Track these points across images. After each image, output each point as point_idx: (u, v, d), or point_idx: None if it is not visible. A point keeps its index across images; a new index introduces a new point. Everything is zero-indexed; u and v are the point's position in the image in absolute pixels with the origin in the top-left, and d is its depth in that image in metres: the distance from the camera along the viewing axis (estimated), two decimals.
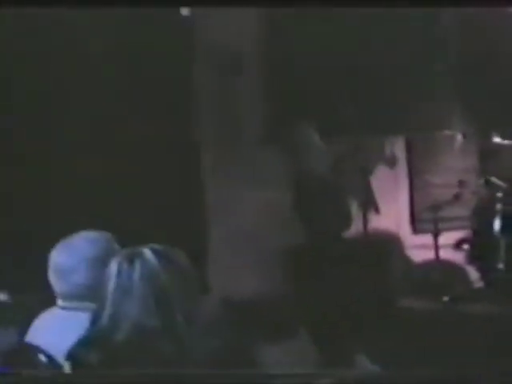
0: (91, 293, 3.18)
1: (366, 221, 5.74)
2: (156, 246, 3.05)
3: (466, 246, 5.73)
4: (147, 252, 3.01)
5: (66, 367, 3.04)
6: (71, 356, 2.99)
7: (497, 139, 5.62)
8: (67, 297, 3.34)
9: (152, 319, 2.94)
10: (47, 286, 3.39)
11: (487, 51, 5.97)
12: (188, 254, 3.17)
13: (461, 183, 5.79)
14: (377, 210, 5.77)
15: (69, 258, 3.29)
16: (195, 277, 3.11)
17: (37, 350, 3.16)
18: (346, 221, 5.69)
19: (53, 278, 3.35)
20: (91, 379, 2.97)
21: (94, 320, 2.99)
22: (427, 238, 5.89)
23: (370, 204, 5.76)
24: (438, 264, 5.81)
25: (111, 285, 2.98)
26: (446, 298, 5.36)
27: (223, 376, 2.91)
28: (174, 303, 2.97)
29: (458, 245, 5.79)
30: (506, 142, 5.63)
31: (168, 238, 3.23)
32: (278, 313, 4.95)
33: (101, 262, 3.19)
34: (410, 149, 6.36)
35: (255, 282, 5.34)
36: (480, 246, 5.64)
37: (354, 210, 5.76)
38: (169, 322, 2.95)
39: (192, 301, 3.04)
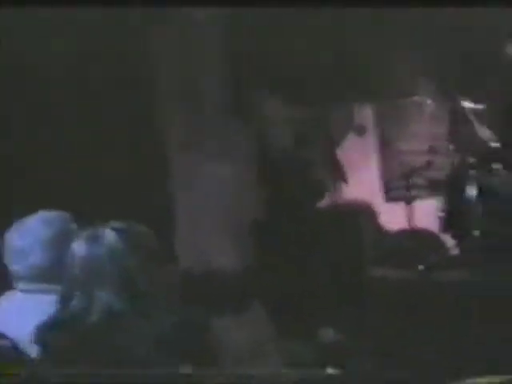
0: (50, 274, 3.17)
1: (336, 192, 5.76)
2: (117, 224, 3.03)
3: (440, 214, 5.61)
4: (109, 232, 2.98)
5: (33, 351, 3.02)
6: (40, 340, 2.96)
7: (467, 103, 5.59)
8: (25, 279, 3.27)
9: (119, 299, 2.92)
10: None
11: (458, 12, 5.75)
12: (152, 229, 3.13)
13: (432, 149, 5.78)
14: (345, 180, 5.74)
15: (23, 239, 3.25)
16: (159, 253, 3.10)
17: None
18: (316, 192, 5.63)
19: (9, 261, 3.28)
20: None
21: (62, 302, 2.96)
22: (400, 206, 5.89)
23: (338, 174, 5.73)
24: (411, 232, 5.82)
25: (76, 266, 2.95)
26: (421, 267, 5.34)
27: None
28: (138, 281, 2.96)
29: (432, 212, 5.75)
30: (477, 105, 5.60)
31: (131, 214, 3.18)
32: (244, 285, 4.96)
33: (57, 243, 3.17)
34: (378, 116, 6.32)
35: (223, 257, 5.23)
36: (454, 213, 5.56)
37: (323, 181, 5.71)
38: (135, 301, 2.95)
39: (156, 277, 3.02)
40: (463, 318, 4.66)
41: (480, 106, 5.56)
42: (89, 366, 2.92)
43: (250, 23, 5.46)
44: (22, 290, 3.29)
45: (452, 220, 5.56)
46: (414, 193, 5.86)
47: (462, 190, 5.45)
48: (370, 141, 6.29)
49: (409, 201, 5.82)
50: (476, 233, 5.35)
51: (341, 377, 3.16)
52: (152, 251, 3.04)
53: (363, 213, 5.80)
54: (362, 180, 6.13)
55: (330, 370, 3.20)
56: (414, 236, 5.80)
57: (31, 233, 3.25)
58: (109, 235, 2.96)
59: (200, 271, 5.01)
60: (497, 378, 2.93)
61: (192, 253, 5.21)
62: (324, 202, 5.65)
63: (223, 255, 5.17)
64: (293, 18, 5.41)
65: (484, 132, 5.53)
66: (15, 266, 3.26)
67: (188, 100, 5.56)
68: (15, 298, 3.32)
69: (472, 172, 5.43)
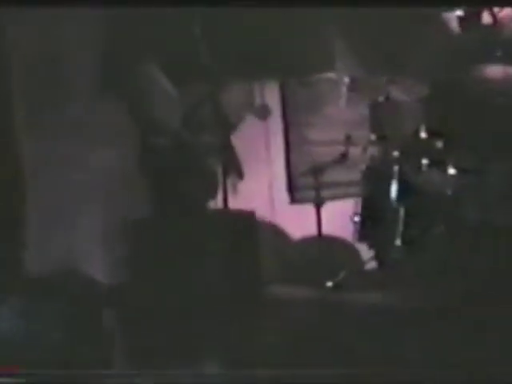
0: None
1: (228, 188, 5.36)
2: None
3: (355, 218, 5.32)
4: None
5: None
6: None
7: (391, 84, 5.34)
8: None
9: None
10: None
11: None
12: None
13: (348, 139, 5.43)
14: (240, 175, 5.40)
15: None
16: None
17: None
18: (205, 188, 5.35)
19: None
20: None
21: None
22: (307, 209, 5.57)
23: (232, 166, 5.38)
24: (320, 241, 5.57)
25: None
26: (329, 284, 5.14)
27: None
28: None
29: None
30: (402, 86, 5.41)
31: None
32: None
33: None
34: (284, 96, 5.87)
35: (92, 256, 5.18)
36: (372, 218, 5.29)
37: (214, 173, 5.42)
38: None
39: None
40: (377, 347, 4.52)
41: (411, 88, 5.40)
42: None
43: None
44: None
45: (370, 226, 5.29)
46: (324, 192, 5.58)
47: (383, 190, 5.20)
48: (273, 125, 5.81)
49: (318, 202, 5.54)
50: (397, 242, 5.08)
51: None
52: None
53: (262, 216, 5.41)
54: (262, 174, 5.73)
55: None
56: (323, 246, 5.54)
57: None
58: None
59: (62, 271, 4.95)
60: None
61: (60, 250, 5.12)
62: (214, 201, 5.37)
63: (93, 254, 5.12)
64: None
65: (413, 120, 5.32)
66: None
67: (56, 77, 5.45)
68: None
69: (395, 167, 5.15)
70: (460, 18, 5.61)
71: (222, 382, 4.60)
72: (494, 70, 5.47)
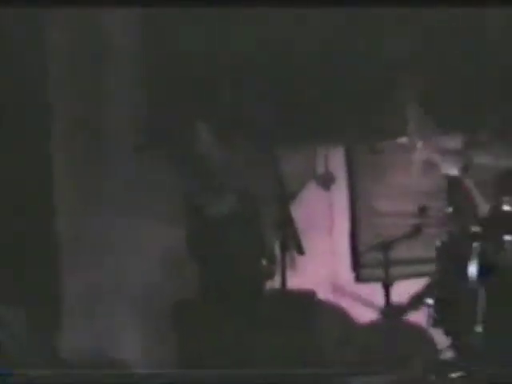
0: None
1: (287, 265, 4.95)
2: None
3: (428, 300, 4.83)
4: None
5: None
6: None
7: (473, 153, 5.12)
8: None
9: None
10: None
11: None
12: None
13: (422, 211, 5.09)
14: (300, 250, 4.98)
15: None
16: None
17: None
18: (262, 266, 5.00)
19: None
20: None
21: None
22: (375, 289, 5.18)
23: (291, 240, 4.96)
24: (391, 328, 5.11)
25: None
26: (405, 377, 4.65)
27: None
28: None
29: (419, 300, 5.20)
30: (485, 157, 5.16)
31: None
32: None
33: None
34: (350, 163, 5.60)
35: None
36: (447, 300, 4.81)
37: (273, 249, 5.04)
38: None
39: None
40: None
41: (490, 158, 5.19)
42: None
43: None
44: None
45: (445, 309, 4.79)
46: (394, 270, 5.17)
47: (461, 269, 4.70)
48: (338, 195, 5.55)
49: (387, 281, 5.10)
50: (479, 330, 4.60)
51: None
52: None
53: (324, 297, 5.11)
54: (324, 249, 5.42)
55: None
56: (395, 333, 5.07)
57: None
58: None
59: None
60: None
61: None
62: (272, 280, 5.00)
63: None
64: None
65: (497, 192, 4.93)
66: None
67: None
68: None
69: (475, 244, 4.72)
70: None
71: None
72: None
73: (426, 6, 5.11)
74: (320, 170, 5.45)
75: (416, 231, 5.10)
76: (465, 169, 5.33)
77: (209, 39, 5.47)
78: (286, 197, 5.13)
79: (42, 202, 5.47)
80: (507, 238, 4.77)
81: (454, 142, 5.46)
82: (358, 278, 5.56)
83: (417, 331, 5.16)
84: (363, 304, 5.36)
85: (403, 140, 5.41)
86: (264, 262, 5.06)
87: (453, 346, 4.85)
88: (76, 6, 5.16)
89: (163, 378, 4.07)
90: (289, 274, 5.05)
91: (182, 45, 5.50)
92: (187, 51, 5.48)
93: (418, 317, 5.14)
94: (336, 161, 5.59)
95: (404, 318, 5.28)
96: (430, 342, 5.13)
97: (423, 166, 5.44)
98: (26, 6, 5.11)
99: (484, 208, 5.06)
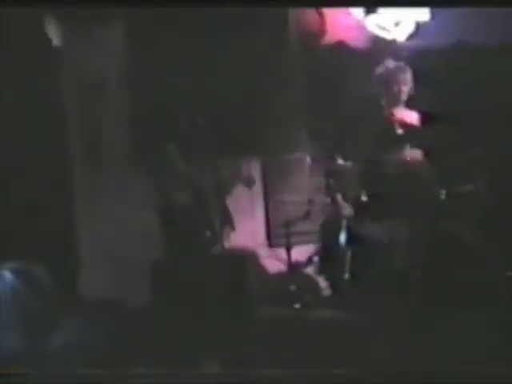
0: None
1: (224, 236, 5.80)
2: (14, 265, 3.01)
3: (315, 258, 5.92)
4: (6, 273, 2.98)
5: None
6: None
7: (340, 161, 5.82)
8: None
9: (20, 338, 2.92)
10: None
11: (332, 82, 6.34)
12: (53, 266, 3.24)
13: (310, 201, 5.95)
14: (233, 227, 5.82)
15: None
16: (55, 291, 3.13)
17: None
18: (209, 239, 5.78)
19: None
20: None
21: None
22: (282, 252, 6.03)
23: (227, 222, 5.81)
24: (291, 275, 5.95)
25: None
26: (297, 306, 5.64)
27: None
28: (38, 321, 2.97)
29: (309, 258, 6.01)
30: (348, 163, 5.84)
31: (34, 252, 3.29)
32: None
33: None
34: (265, 170, 6.53)
35: (120, 295, 5.43)
36: (327, 258, 5.84)
37: (215, 226, 5.80)
38: (37, 339, 2.94)
39: (54, 314, 3.03)
40: (333, 351, 4.78)
41: (350, 163, 5.80)
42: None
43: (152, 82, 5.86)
44: None
45: (326, 264, 5.86)
46: (293, 239, 5.97)
47: (335, 238, 5.68)
48: (257, 191, 6.45)
49: (289, 246, 5.94)
50: (346, 276, 5.59)
51: None
52: (49, 290, 3.05)
53: (248, 257, 5.89)
54: (249, 226, 6.29)
55: None
56: (293, 278, 5.92)
57: None
58: (7, 276, 2.95)
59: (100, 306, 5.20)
60: None
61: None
62: (215, 246, 5.76)
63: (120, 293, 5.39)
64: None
65: (356, 187, 5.73)
66: None
67: (95, 148, 5.92)
68: None
69: (343, 222, 5.68)
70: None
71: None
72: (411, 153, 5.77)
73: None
74: (244, 174, 6.12)
75: (307, 214, 5.94)
76: (333, 170, 5.83)
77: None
78: (223, 193, 5.86)
79: None
80: (364, 217, 5.66)
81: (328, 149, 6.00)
82: (271, 245, 6.47)
83: (306, 277, 6.03)
84: (275, 260, 6.17)
85: (298, 154, 6.27)
86: (208, 235, 5.75)
87: (331, 287, 5.85)
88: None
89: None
90: (225, 243, 5.77)
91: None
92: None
93: (309, 268, 6.00)
94: (255, 167, 6.40)
95: (300, 268, 6.03)
96: (315, 283, 6.01)
97: (310, 172, 6.14)
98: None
99: (349, 198, 5.75)
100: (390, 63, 5.86)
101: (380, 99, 5.84)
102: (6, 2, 4.63)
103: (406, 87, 5.80)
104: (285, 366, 4.52)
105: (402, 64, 5.86)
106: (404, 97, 5.83)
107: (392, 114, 5.79)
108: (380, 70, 5.86)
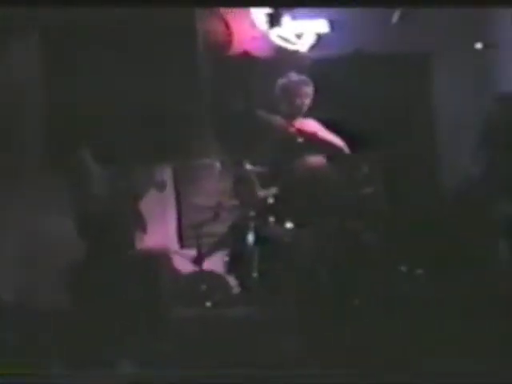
0: None
1: (137, 238, 5.88)
2: None
3: (225, 258, 5.97)
4: None
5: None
6: None
7: (248, 166, 5.96)
8: None
9: None
10: None
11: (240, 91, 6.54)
12: None
13: (219, 204, 6.08)
14: (144, 229, 5.88)
15: None
16: None
17: None
18: (122, 242, 5.84)
19: None
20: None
21: None
22: (193, 253, 6.17)
23: (140, 225, 5.89)
24: (202, 275, 6.10)
25: None
26: (208, 304, 5.76)
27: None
28: None
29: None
30: (255, 168, 5.97)
31: None
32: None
33: None
34: (176, 175, 6.68)
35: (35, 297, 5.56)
36: (237, 258, 5.89)
37: (128, 229, 5.87)
38: None
39: None
40: (246, 349, 4.83)
41: (257, 169, 5.95)
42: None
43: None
44: None
45: (236, 263, 5.88)
46: (203, 240, 6.12)
47: (244, 238, 5.76)
48: (169, 195, 6.59)
49: (200, 247, 6.10)
50: (255, 274, 5.66)
51: None
52: None
53: (160, 258, 5.96)
54: (161, 228, 6.43)
55: None
56: (204, 277, 6.06)
57: None
58: None
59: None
60: None
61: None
62: (129, 247, 5.84)
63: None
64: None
65: (261, 191, 5.87)
66: None
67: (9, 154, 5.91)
68: None
69: (251, 223, 5.77)
70: None
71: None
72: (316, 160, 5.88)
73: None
74: (156, 179, 6.15)
75: (215, 216, 6.07)
76: (241, 175, 5.86)
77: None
78: (136, 197, 5.88)
79: None
80: (270, 219, 5.75)
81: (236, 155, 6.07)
82: (182, 245, 6.64)
83: (217, 276, 6.10)
84: (187, 260, 6.19)
85: (208, 160, 6.36)
86: (122, 238, 5.76)
87: (240, 285, 5.82)
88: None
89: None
90: (138, 245, 5.85)
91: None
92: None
93: (219, 266, 6.04)
94: (167, 173, 6.53)
95: (210, 267, 6.09)
96: (225, 282, 6.05)
97: (219, 177, 6.22)
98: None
99: (256, 201, 5.79)
100: (294, 76, 5.97)
101: (282, 109, 5.96)
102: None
103: (308, 100, 5.93)
104: (196, 364, 4.61)
105: (304, 77, 5.97)
106: (305, 109, 5.97)
107: (292, 124, 5.93)
108: (283, 81, 5.96)
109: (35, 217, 5.85)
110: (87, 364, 4.63)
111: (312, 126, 5.98)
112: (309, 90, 5.94)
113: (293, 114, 5.96)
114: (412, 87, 6.74)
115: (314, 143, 5.88)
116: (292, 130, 5.90)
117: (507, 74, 6.49)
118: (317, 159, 5.92)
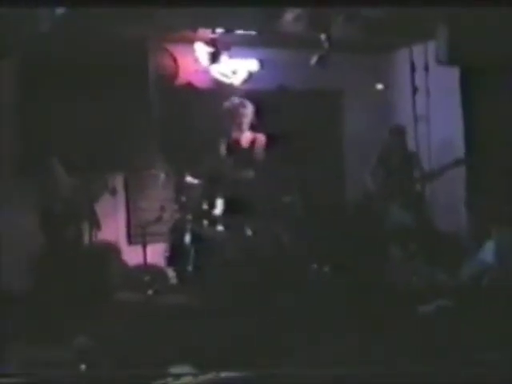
0: None
1: (92, 235, 6.08)
2: None
3: (166, 253, 6.25)
4: None
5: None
6: None
7: (188, 178, 6.29)
8: None
9: None
10: None
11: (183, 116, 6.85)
12: None
13: (161, 208, 6.34)
14: (98, 227, 6.09)
15: None
16: None
17: None
18: (79, 237, 6.10)
19: None
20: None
21: None
22: (139, 248, 6.34)
23: (94, 222, 6.10)
24: (146, 267, 6.27)
25: None
26: (150, 292, 5.90)
27: None
28: None
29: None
30: (194, 180, 6.29)
31: None
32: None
33: None
34: (127, 182, 6.88)
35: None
36: (176, 254, 6.14)
37: (84, 227, 6.08)
38: None
39: None
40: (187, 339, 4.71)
41: (197, 180, 6.23)
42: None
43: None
44: None
45: (174, 258, 6.14)
46: (148, 239, 6.30)
47: (182, 237, 6.05)
48: (120, 199, 6.76)
49: (145, 244, 6.27)
50: (189, 268, 5.99)
51: None
52: None
53: (111, 252, 6.18)
54: (111, 227, 6.56)
55: None
56: (147, 270, 6.21)
57: None
58: None
59: None
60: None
61: None
62: (83, 243, 6.07)
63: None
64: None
65: (198, 197, 6.15)
66: None
67: None
68: None
69: (189, 225, 6.10)
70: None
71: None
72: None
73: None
74: (109, 185, 6.34)
75: (159, 218, 6.26)
76: (182, 184, 6.09)
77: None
78: (92, 200, 6.11)
79: None
80: (204, 222, 5.96)
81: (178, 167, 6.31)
82: (130, 242, 6.79)
83: (158, 269, 6.28)
84: (133, 255, 6.34)
85: (153, 171, 6.63)
86: (79, 233, 5.98)
87: (177, 277, 5.96)
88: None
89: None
90: (93, 240, 5.99)
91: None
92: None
93: (160, 260, 6.26)
94: (119, 180, 6.75)
95: (153, 260, 6.23)
96: (165, 274, 6.24)
97: (163, 184, 6.51)
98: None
99: (193, 207, 6.05)
100: (236, 99, 6.44)
101: (225, 126, 6.38)
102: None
103: (247, 119, 6.40)
104: (140, 343, 4.55)
105: (243, 100, 6.44)
106: (245, 126, 6.41)
107: (235, 140, 6.34)
108: (227, 104, 6.44)
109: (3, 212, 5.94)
110: (47, 341, 4.65)
111: (249, 140, 6.39)
112: (246, 110, 6.40)
113: (235, 130, 6.36)
114: (326, 118, 7.30)
115: (250, 154, 6.25)
116: (234, 143, 6.28)
117: (397, 111, 7.13)
118: (246, 172, 6.27)
